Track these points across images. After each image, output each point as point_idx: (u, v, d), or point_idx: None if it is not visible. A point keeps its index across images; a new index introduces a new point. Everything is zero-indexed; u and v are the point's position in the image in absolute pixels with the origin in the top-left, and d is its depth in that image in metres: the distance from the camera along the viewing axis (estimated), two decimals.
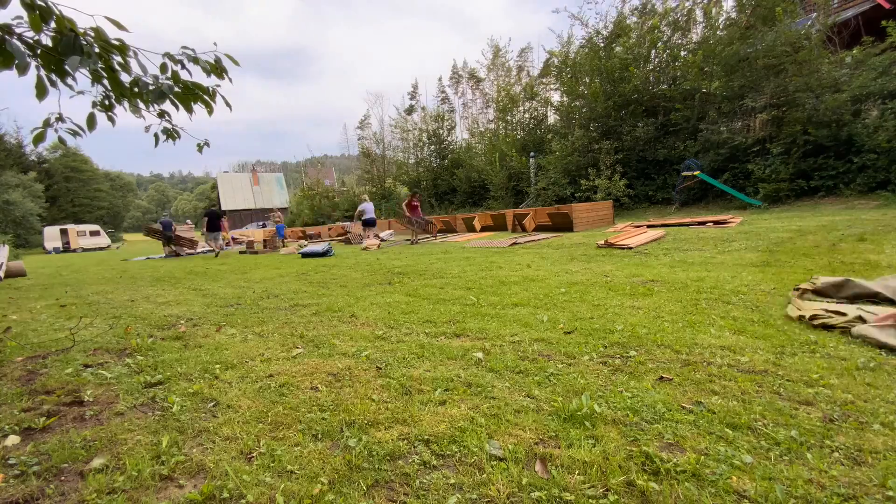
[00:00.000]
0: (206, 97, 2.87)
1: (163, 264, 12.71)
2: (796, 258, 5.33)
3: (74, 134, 2.80)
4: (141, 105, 2.79)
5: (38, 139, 2.66)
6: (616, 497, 1.43)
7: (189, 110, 2.88)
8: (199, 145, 3.31)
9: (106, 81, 2.63)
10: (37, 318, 4.94)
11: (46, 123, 2.68)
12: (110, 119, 2.88)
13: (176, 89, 2.75)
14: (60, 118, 2.72)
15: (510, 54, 28.18)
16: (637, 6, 19.21)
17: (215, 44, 2.80)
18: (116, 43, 2.50)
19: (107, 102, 2.80)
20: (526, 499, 1.45)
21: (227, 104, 3.04)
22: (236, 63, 2.88)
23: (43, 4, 2.23)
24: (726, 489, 1.43)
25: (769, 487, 1.41)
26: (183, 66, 2.75)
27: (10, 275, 10.67)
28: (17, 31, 2.28)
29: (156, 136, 3.07)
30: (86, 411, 2.33)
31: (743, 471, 1.52)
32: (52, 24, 2.29)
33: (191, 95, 2.82)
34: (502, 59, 27.87)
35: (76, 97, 2.76)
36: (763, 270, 4.84)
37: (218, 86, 2.93)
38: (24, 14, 2.23)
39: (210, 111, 2.95)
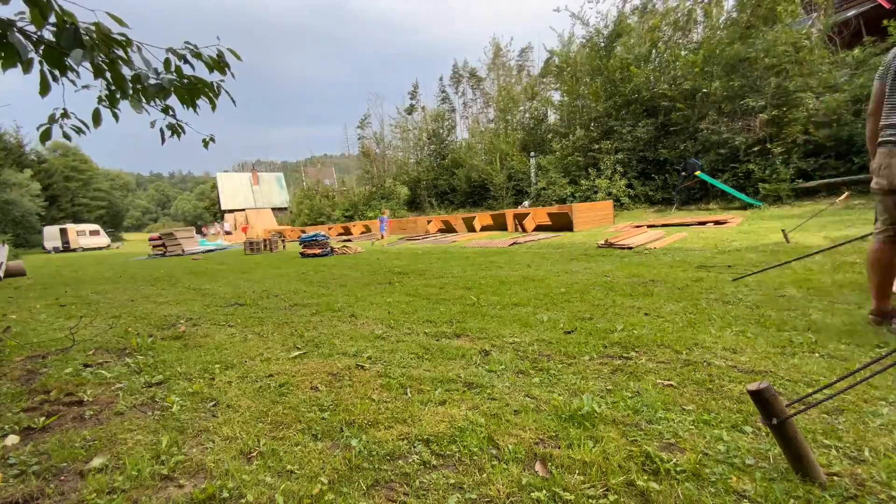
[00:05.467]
0: (209, 93, 2.87)
1: (162, 264, 12.72)
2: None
3: (79, 131, 2.80)
4: (144, 101, 2.78)
5: (45, 136, 2.66)
6: (616, 497, 1.43)
7: (193, 106, 2.88)
8: (204, 140, 3.30)
9: (108, 75, 2.63)
10: (36, 318, 4.94)
11: (52, 119, 2.68)
12: (115, 115, 2.88)
13: (177, 84, 2.75)
14: (66, 114, 2.72)
15: (511, 54, 28.12)
16: (638, 6, 19.23)
17: (218, 38, 2.79)
18: (119, 37, 2.50)
19: (115, 96, 2.79)
20: (526, 499, 1.45)
21: (232, 99, 3.04)
22: (238, 58, 2.87)
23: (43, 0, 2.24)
24: (726, 489, 1.43)
25: (769, 487, 1.41)
26: (185, 61, 2.74)
27: (9, 274, 10.67)
28: (19, 25, 2.28)
29: (161, 131, 3.06)
30: (85, 411, 2.32)
31: (743, 471, 1.52)
32: (53, 19, 2.29)
33: (194, 91, 2.82)
34: (503, 59, 27.88)
35: (80, 93, 2.76)
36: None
37: (222, 80, 2.93)
38: (27, 10, 2.24)
39: (213, 107, 2.95)
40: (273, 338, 3.55)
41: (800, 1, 15.10)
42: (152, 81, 2.65)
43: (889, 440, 1.64)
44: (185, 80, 2.80)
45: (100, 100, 2.78)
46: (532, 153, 21.78)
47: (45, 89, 2.43)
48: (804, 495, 1.38)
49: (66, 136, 2.81)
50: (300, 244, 12.11)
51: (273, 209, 49.60)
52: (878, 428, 1.73)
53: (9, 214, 35.10)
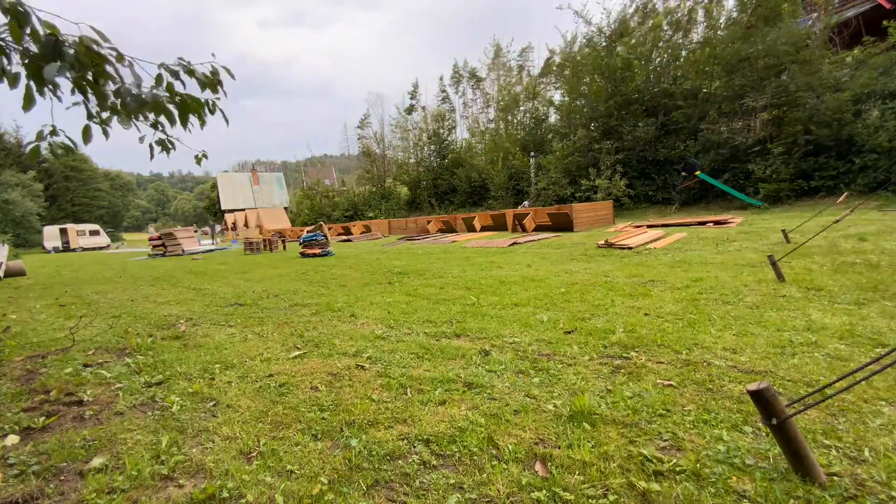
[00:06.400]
0: (200, 110, 2.81)
1: (161, 264, 12.72)
2: (797, 258, 5.32)
3: (67, 149, 2.68)
4: (131, 116, 2.70)
5: (34, 155, 2.59)
6: (616, 497, 1.43)
7: (185, 123, 2.81)
8: (196, 157, 3.26)
9: (91, 92, 2.56)
10: (36, 318, 4.94)
11: (40, 136, 2.58)
12: (105, 132, 2.78)
13: (160, 99, 2.66)
14: (54, 131, 2.62)
15: (511, 54, 28.09)
16: (639, 6, 19.20)
17: (213, 55, 2.76)
18: (108, 53, 2.43)
19: (93, 114, 2.71)
20: (526, 499, 1.45)
21: (225, 118, 2.97)
22: (232, 76, 2.83)
23: (21, 10, 2.15)
24: (726, 489, 1.43)
25: (769, 487, 1.41)
26: (177, 78, 2.67)
27: (9, 274, 10.66)
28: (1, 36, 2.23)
29: (150, 147, 2.97)
30: (85, 411, 2.32)
31: (743, 471, 1.52)
32: (29, 30, 2.21)
33: (187, 108, 2.76)
34: (503, 59, 27.85)
35: (72, 108, 2.68)
36: (763, 270, 4.83)
37: (218, 98, 2.88)
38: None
39: (203, 123, 2.88)
40: (273, 338, 3.55)
41: (800, 1, 15.10)
42: (134, 92, 2.57)
43: (889, 440, 1.64)
44: (178, 98, 2.74)
45: (90, 116, 2.71)
46: (532, 153, 21.78)
47: (28, 103, 2.35)
48: (804, 495, 1.38)
49: (54, 153, 2.73)
50: (300, 244, 12.11)
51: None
52: (878, 428, 1.73)
53: (9, 214, 35.10)
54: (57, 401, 2.47)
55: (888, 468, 1.48)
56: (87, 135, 2.69)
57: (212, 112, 2.88)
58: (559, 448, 1.72)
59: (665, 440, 1.74)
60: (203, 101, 2.82)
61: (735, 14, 16.73)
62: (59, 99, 2.52)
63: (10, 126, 47.42)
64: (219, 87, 2.82)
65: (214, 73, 2.77)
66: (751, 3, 15.62)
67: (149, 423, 2.13)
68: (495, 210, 19.56)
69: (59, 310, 5.42)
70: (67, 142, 2.68)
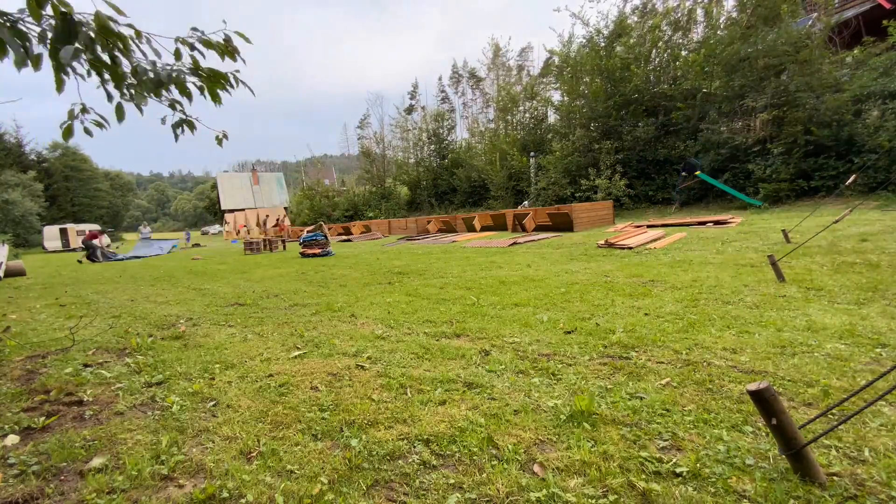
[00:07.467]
0: (225, 84, 2.69)
1: (161, 263, 12.72)
2: (797, 258, 5.32)
3: (100, 125, 2.64)
4: (151, 95, 2.61)
5: (68, 133, 2.52)
6: (616, 497, 1.43)
7: (215, 98, 2.70)
8: (217, 138, 3.07)
9: (107, 73, 2.51)
10: (36, 318, 4.94)
11: (71, 115, 2.55)
12: (139, 108, 2.65)
13: (177, 75, 2.59)
14: (84, 109, 2.58)
15: (510, 53, 28.12)
16: (638, 6, 19.21)
17: (224, 21, 2.61)
18: (124, 29, 2.36)
19: (113, 92, 2.64)
20: (525, 499, 1.45)
21: (250, 90, 2.85)
22: (248, 41, 2.68)
23: None
24: (726, 489, 1.43)
25: (769, 487, 1.41)
26: (195, 49, 2.57)
27: (9, 274, 10.66)
28: (21, 18, 2.22)
29: (173, 128, 2.87)
30: (85, 411, 2.32)
31: (743, 471, 1.52)
32: (49, 10, 2.17)
33: (215, 83, 2.65)
34: (503, 59, 27.87)
35: (92, 88, 2.59)
36: (763, 270, 4.83)
37: (237, 70, 2.75)
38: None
39: (218, 101, 2.74)
40: (273, 338, 3.55)
41: (800, 1, 15.09)
42: (151, 75, 2.51)
43: (889, 440, 1.64)
44: (201, 73, 2.61)
45: (122, 94, 2.61)
46: (532, 153, 21.80)
47: (60, 85, 2.31)
48: (804, 495, 1.38)
49: (87, 131, 2.66)
50: (300, 244, 12.12)
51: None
52: (878, 428, 1.73)
53: (9, 214, 35.08)
54: (57, 401, 2.47)
55: (888, 468, 1.48)
56: (120, 112, 2.59)
57: (234, 86, 2.75)
58: (559, 448, 1.72)
59: (665, 440, 1.74)
60: (224, 73, 2.69)
61: (735, 14, 16.73)
62: (83, 78, 2.45)
63: (10, 126, 47.24)
64: (236, 55, 2.66)
65: (228, 39, 2.62)
66: (750, 3, 15.61)
67: (149, 423, 2.13)
68: (495, 210, 19.57)
69: (59, 310, 5.41)
70: (99, 119, 2.62)
